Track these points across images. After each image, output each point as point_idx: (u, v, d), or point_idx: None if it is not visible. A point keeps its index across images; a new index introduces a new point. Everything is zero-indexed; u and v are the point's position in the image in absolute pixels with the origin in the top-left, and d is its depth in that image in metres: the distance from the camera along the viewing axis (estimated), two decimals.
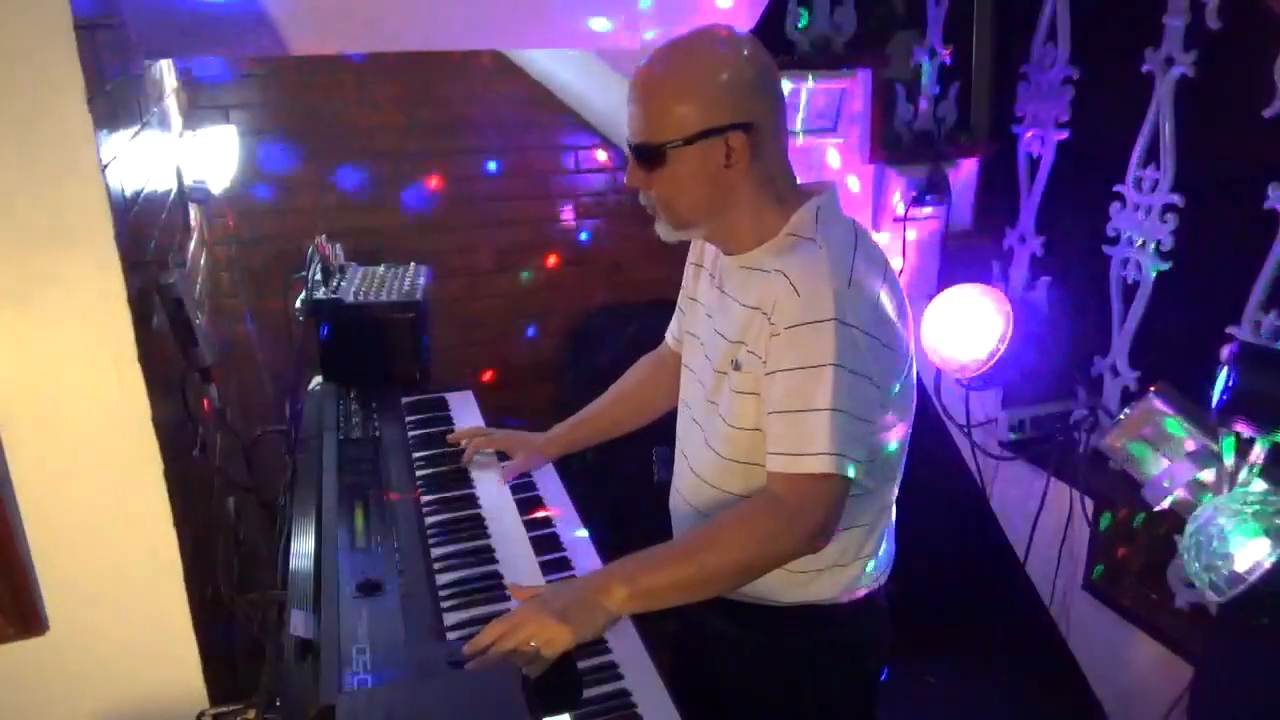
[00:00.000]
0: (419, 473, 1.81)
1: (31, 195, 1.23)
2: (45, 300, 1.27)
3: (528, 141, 3.42)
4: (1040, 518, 2.46)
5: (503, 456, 1.88)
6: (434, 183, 3.36)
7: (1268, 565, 1.53)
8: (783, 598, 1.47)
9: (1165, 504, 1.91)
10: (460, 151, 3.36)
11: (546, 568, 1.57)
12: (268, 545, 1.86)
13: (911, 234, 2.75)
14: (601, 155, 3.50)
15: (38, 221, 1.24)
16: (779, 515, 1.29)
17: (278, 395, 2.89)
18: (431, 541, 1.58)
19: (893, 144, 2.80)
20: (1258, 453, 1.71)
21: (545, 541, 1.65)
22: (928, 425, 2.69)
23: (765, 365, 1.33)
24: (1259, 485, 1.71)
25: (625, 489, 3.01)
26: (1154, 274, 2.25)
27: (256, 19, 2.13)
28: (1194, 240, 2.22)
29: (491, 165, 3.40)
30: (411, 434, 1.97)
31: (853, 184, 2.82)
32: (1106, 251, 2.36)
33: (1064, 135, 2.48)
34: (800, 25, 2.66)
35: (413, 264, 2.35)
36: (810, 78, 2.66)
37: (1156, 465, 1.94)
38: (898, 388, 1.39)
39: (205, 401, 1.86)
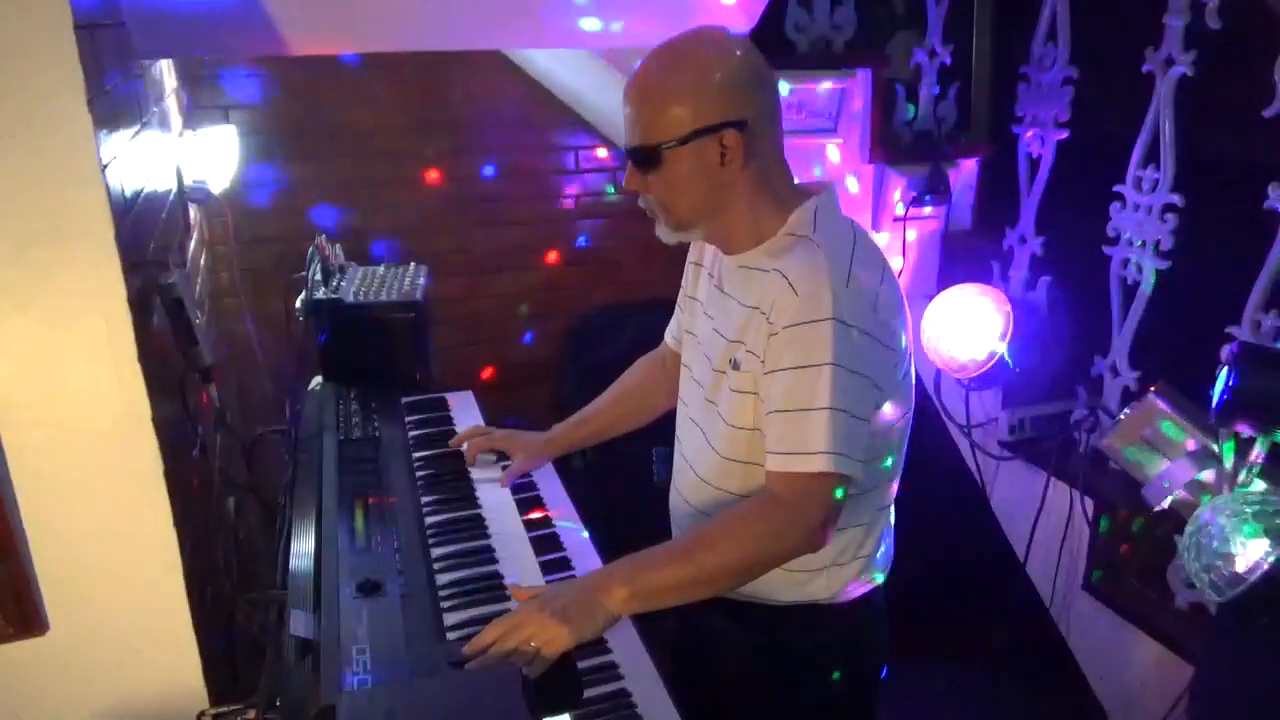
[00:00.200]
0: (419, 473, 1.81)
1: (31, 195, 1.23)
2: (45, 300, 1.27)
3: (528, 141, 3.42)
4: (1040, 518, 2.46)
5: (502, 456, 1.88)
6: (434, 183, 3.36)
7: (1267, 565, 1.53)
8: (781, 597, 1.47)
9: (1165, 504, 1.91)
10: (460, 151, 3.36)
11: (546, 568, 1.57)
12: (268, 545, 1.85)
13: (911, 234, 2.75)
14: (602, 154, 3.50)
15: (38, 221, 1.24)
16: (778, 514, 1.29)
17: (278, 395, 2.90)
18: (431, 541, 1.58)
19: (893, 144, 2.80)
20: (1258, 453, 1.70)
21: (545, 541, 1.64)
22: (928, 425, 2.69)
23: (764, 365, 1.33)
24: (1259, 485, 1.71)
25: (625, 489, 3.01)
26: (1154, 274, 2.25)
27: (256, 19, 2.13)
28: (1194, 240, 2.22)
29: (491, 165, 3.40)
30: (411, 434, 1.97)
31: (852, 184, 2.83)
32: (1106, 251, 2.36)
33: (1064, 135, 2.48)
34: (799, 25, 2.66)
35: (413, 264, 2.35)
36: (810, 78, 2.66)
37: (1156, 465, 1.94)
38: (896, 387, 1.39)
39: (205, 400, 1.86)
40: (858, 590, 1.50)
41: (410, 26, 2.33)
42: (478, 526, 1.65)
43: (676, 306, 1.73)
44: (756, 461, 1.38)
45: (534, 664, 1.18)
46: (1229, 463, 1.85)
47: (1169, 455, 1.92)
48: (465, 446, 1.89)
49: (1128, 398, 2.32)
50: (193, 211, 2.67)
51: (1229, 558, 1.56)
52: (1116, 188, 2.32)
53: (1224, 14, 2.00)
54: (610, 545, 1.59)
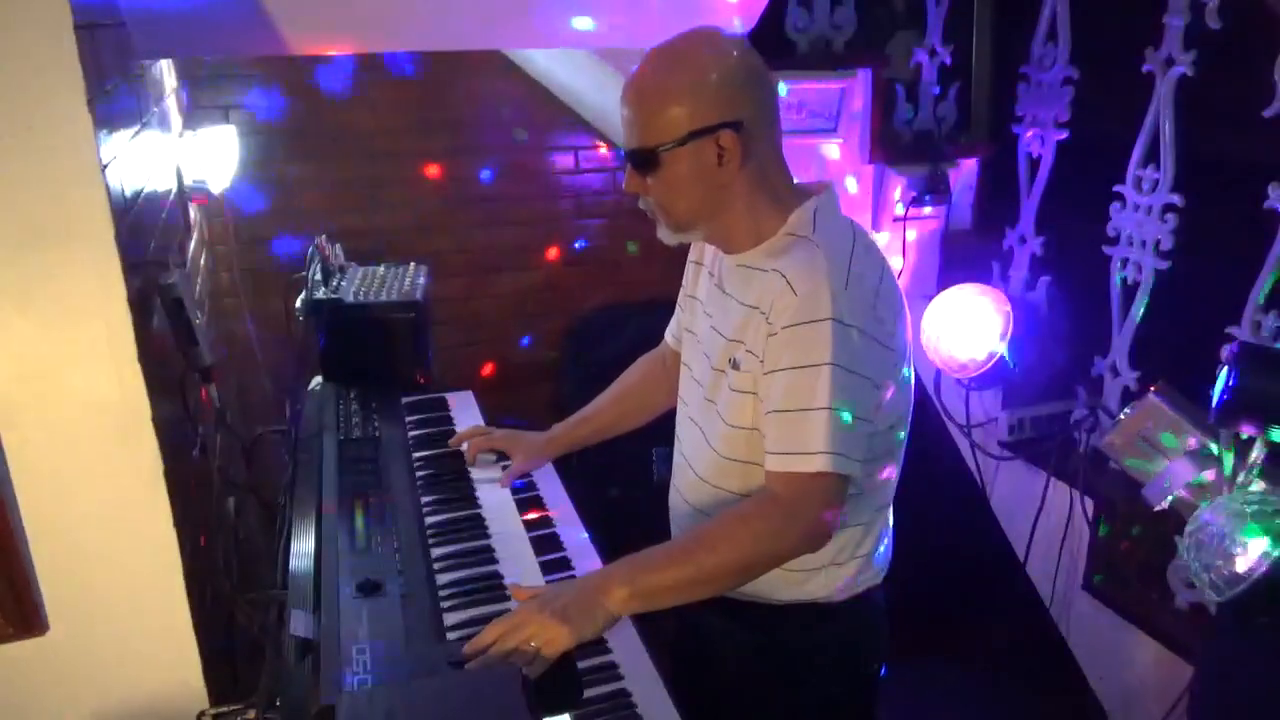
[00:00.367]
0: (419, 473, 1.81)
1: (31, 195, 1.23)
2: (45, 300, 1.27)
3: (528, 141, 3.42)
4: (1040, 518, 2.46)
5: (502, 456, 1.88)
6: (434, 183, 3.36)
7: (1267, 565, 1.53)
8: (780, 596, 1.47)
9: (1165, 504, 1.91)
10: (460, 151, 3.36)
11: (546, 568, 1.57)
12: (268, 545, 1.85)
13: (911, 234, 2.75)
14: (601, 154, 3.50)
15: (38, 221, 1.24)
16: (778, 514, 1.29)
17: (278, 395, 2.90)
18: (431, 541, 1.58)
19: (893, 144, 2.80)
20: (1258, 453, 1.70)
21: (545, 541, 1.64)
22: (928, 425, 2.69)
23: (763, 365, 1.33)
24: (1259, 485, 1.71)
25: (625, 489, 3.01)
26: (1154, 274, 2.25)
27: (257, 19, 2.13)
28: (1194, 240, 2.22)
29: (491, 165, 3.40)
30: (411, 434, 1.97)
31: (852, 184, 2.83)
32: (1106, 251, 2.36)
33: (1064, 135, 2.48)
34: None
35: (413, 264, 2.35)
36: (810, 78, 2.66)
37: (1156, 465, 1.94)
38: (895, 387, 1.39)
39: (205, 400, 1.86)
40: (857, 589, 1.50)
41: (410, 26, 2.33)
42: (478, 526, 1.65)
43: (677, 305, 1.73)
44: (755, 461, 1.39)
45: (534, 664, 1.18)
46: (1229, 462, 1.85)
47: (1169, 455, 1.92)
48: (465, 446, 1.89)
49: (1128, 398, 2.32)
50: (193, 211, 2.67)
51: (1229, 558, 1.56)
52: (1116, 188, 2.32)
53: (1224, 14, 2.00)
54: (610, 545, 1.59)
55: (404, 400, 2.10)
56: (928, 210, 2.77)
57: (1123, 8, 2.48)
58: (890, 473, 1.48)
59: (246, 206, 3.11)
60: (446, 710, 1.04)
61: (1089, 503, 2.33)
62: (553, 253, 3.57)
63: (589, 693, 1.27)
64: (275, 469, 2.21)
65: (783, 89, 2.63)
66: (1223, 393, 1.59)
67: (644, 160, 1.35)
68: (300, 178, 3.18)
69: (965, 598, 3.00)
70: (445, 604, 1.42)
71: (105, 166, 1.29)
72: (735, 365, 1.40)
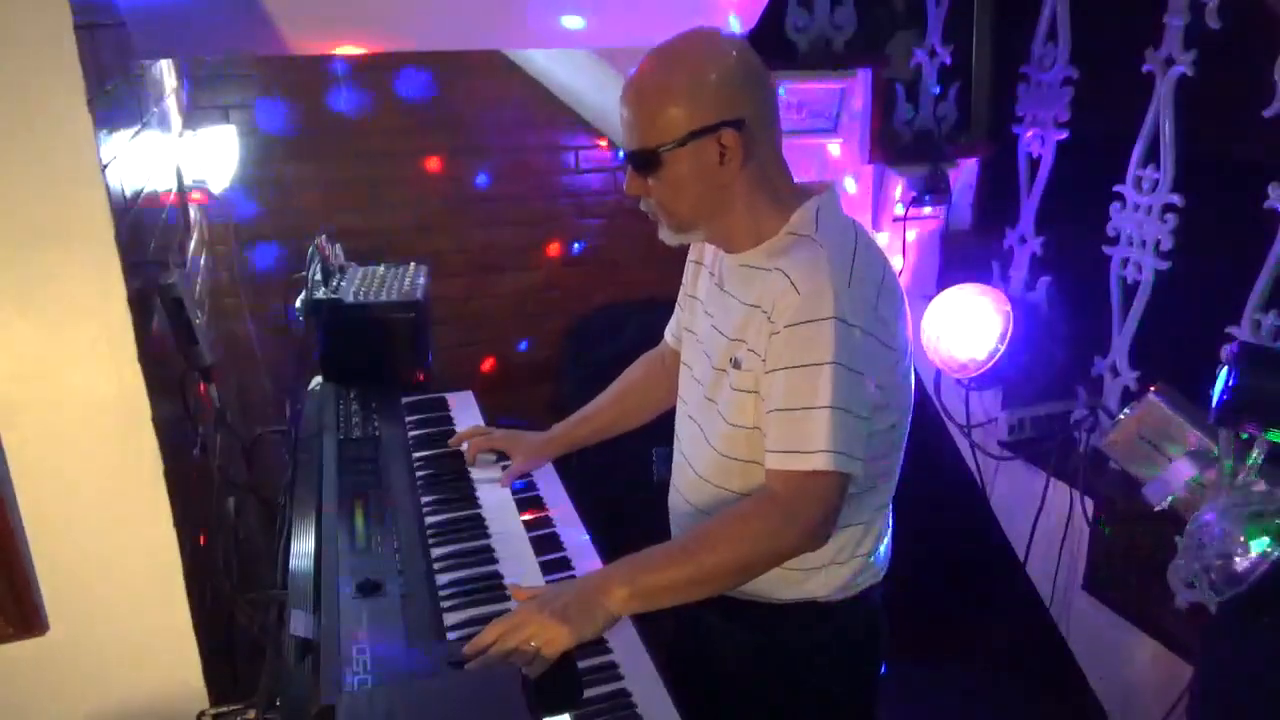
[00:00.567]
0: (419, 473, 1.81)
1: (31, 195, 1.23)
2: (45, 300, 1.27)
3: (528, 141, 3.42)
4: (1040, 518, 2.46)
5: (502, 456, 1.88)
6: (434, 183, 3.36)
7: (1267, 565, 1.53)
8: (780, 595, 1.47)
9: (1165, 504, 1.91)
10: (460, 151, 3.36)
11: (546, 568, 1.57)
12: (268, 545, 1.85)
13: (911, 234, 2.75)
14: (602, 154, 3.50)
15: (38, 221, 1.24)
16: (777, 513, 1.29)
17: (278, 395, 2.90)
18: (431, 541, 1.58)
19: (893, 144, 2.80)
20: (1258, 453, 1.70)
21: (545, 541, 1.64)
22: (928, 425, 2.69)
23: (765, 363, 1.33)
24: (1259, 485, 1.71)
25: (625, 489, 3.01)
26: (1154, 274, 2.25)
27: (257, 19, 2.13)
28: (1194, 240, 2.22)
29: (491, 165, 3.40)
30: (411, 434, 1.97)
31: (852, 184, 2.83)
32: (1106, 251, 2.36)
33: (1064, 135, 2.48)
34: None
35: (413, 264, 2.35)
36: (810, 78, 2.66)
37: (1156, 465, 1.94)
38: (896, 386, 1.39)
39: (205, 400, 1.86)
40: (856, 589, 1.50)
41: (411, 26, 2.33)
42: (478, 526, 1.65)
43: (676, 305, 1.73)
44: (756, 460, 1.39)
45: (534, 664, 1.18)
46: (1229, 463, 1.85)
47: (1169, 455, 1.92)
48: (465, 446, 1.89)
49: (1128, 398, 2.32)
50: (193, 211, 2.67)
51: (1229, 558, 1.56)
52: (1116, 188, 2.32)
53: (1224, 14, 2.00)
54: (610, 545, 1.59)
55: (404, 400, 2.10)
56: (928, 210, 2.77)
57: (1123, 8, 2.47)
58: (890, 472, 1.48)
59: (247, 206, 3.11)
60: (446, 710, 1.04)
61: (1089, 503, 2.33)
62: (553, 253, 3.57)
63: (589, 693, 1.27)
64: (275, 469, 2.21)
65: (782, 89, 2.63)
66: (1223, 393, 1.59)
67: (645, 161, 1.35)
68: (300, 178, 3.18)
69: (965, 597, 3.00)
70: (445, 604, 1.42)
71: (105, 166, 1.29)
72: (736, 364, 1.40)
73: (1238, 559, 1.56)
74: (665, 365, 1.78)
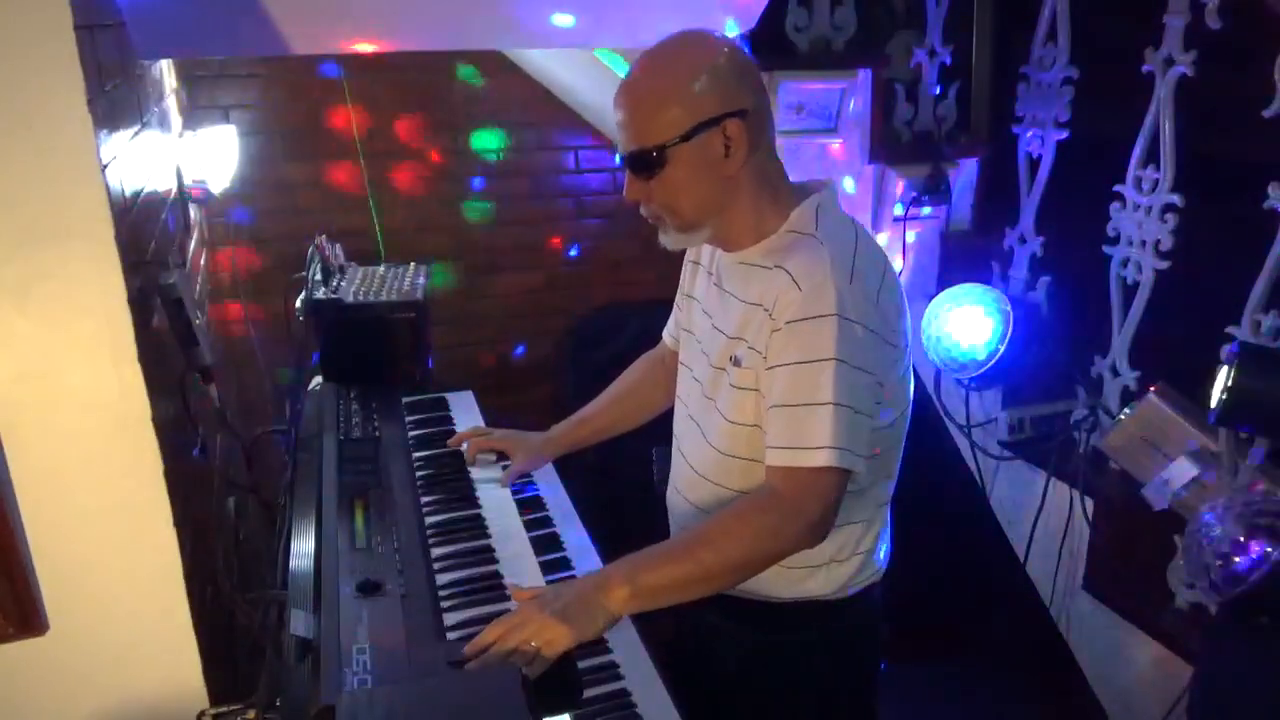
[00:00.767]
0: (419, 473, 1.81)
1: (31, 195, 1.23)
2: (45, 300, 1.27)
3: (528, 141, 3.42)
4: (1040, 518, 2.46)
5: (502, 456, 1.88)
6: (434, 183, 3.35)
7: (1268, 565, 1.53)
8: (780, 593, 1.47)
9: (1165, 504, 1.91)
10: (460, 151, 3.36)
11: (546, 568, 1.57)
12: (268, 545, 1.85)
13: (911, 234, 2.75)
14: (602, 154, 3.50)
15: (38, 221, 1.24)
16: (777, 510, 1.29)
17: (278, 395, 2.90)
18: (431, 541, 1.58)
19: (893, 144, 2.80)
20: (1258, 453, 1.71)
21: (545, 541, 1.64)
22: (928, 425, 2.69)
23: (766, 360, 1.33)
24: (1259, 485, 1.71)
25: (625, 489, 3.01)
26: (1154, 274, 2.25)
27: (257, 19, 2.13)
28: (1194, 240, 2.22)
29: (491, 165, 3.40)
30: (411, 434, 1.97)
31: (853, 184, 2.82)
32: (1106, 251, 2.36)
33: (1064, 135, 2.48)
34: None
35: (413, 264, 2.35)
36: (810, 78, 2.66)
37: (1156, 465, 1.94)
38: (896, 384, 1.39)
39: (205, 399, 1.86)
40: (856, 587, 1.50)
41: (412, 26, 2.33)
42: (478, 526, 1.65)
43: (674, 305, 1.73)
44: (756, 458, 1.39)
45: (534, 664, 1.18)
46: (1229, 463, 1.85)
47: (1169, 455, 1.92)
48: (465, 446, 1.89)
49: (1128, 398, 2.32)
50: (193, 211, 2.67)
51: (1229, 558, 1.57)
52: (1116, 188, 2.32)
53: (1224, 14, 2.00)
54: (610, 545, 1.59)
55: (404, 400, 2.10)
56: (927, 210, 2.77)
57: (1123, 8, 2.47)
58: (890, 469, 1.48)
59: (247, 206, 3.11)
60: (446, 710, 1.04)
61: (1089, 503, 2.33)
62: (553, 253, 3.57)
63: (589, 693, 1.27)
64: (275, 469, 2.21)
65: (782, 89, 2.63)
66: (1223, 393, 1.59)
67: (647, 162, 1.35)
68: (300, 178, 3.18)
69: (965, 597, 3.00)
70: (445, 604, 1.42)
71: (105, 166, 1.29)
72: (736, 362, 1.40)
73: (1238, 559, 1.56)
74: (665, 366, 1.78)
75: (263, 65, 3.06)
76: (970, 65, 2.88)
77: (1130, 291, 2.32)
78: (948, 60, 2.78)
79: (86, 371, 1.31)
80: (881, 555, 1.54)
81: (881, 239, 2.82)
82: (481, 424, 2.02)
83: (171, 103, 2.62)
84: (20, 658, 1.35)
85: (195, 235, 2.66)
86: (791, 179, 1.47)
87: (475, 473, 1.83)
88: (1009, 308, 2.43)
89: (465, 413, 2.11)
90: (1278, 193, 1.93)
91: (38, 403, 1.29)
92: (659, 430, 1.78)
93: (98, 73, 1.37)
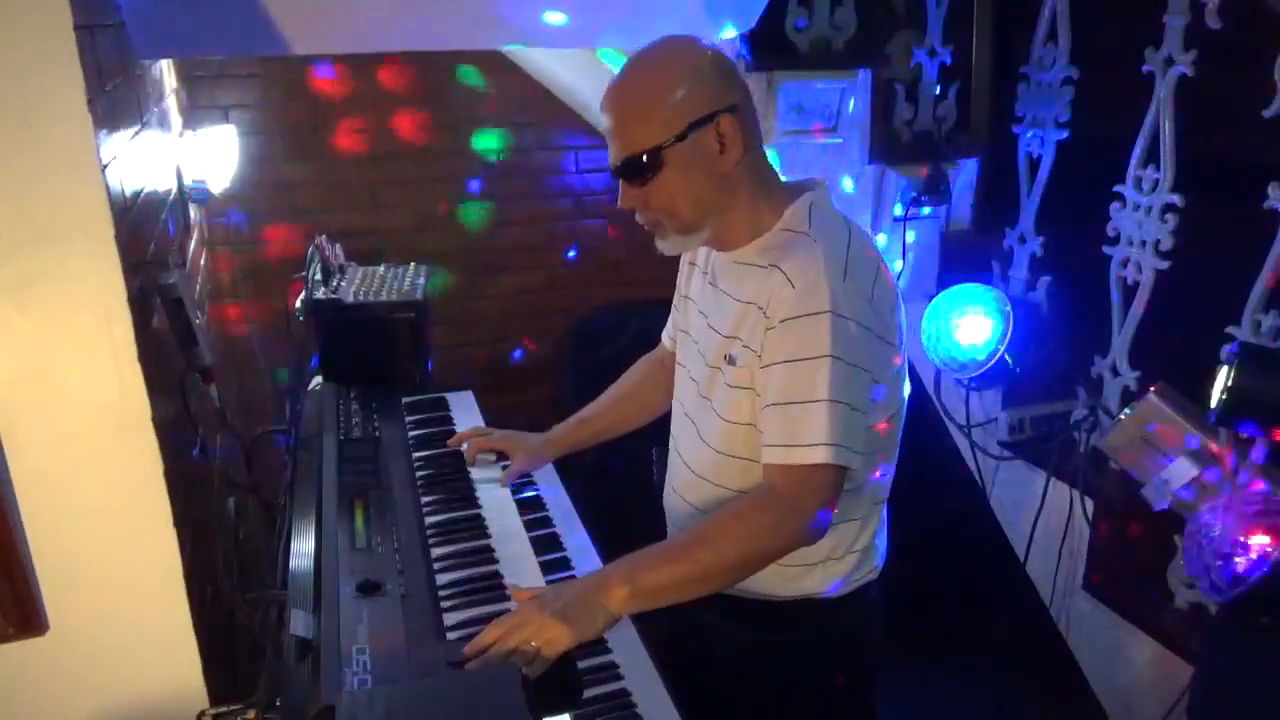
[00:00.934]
0: (419, 473, 1.81)
1: (31, 195, 1.23)
2: (45, 300, 1.27)
3: (528, 141, 3.42)
4: (1040, 518, 2.46)
5: (502, 456, 1.88)
6: (434, 182, 3.35)
7: (1268, 565, 1.53)
8: (777, 592, 1.47)
9: (1165, 504, 1.91)
10: (460, 151, 3.36)
11: (546, 568, 1.57)
12: (268, 545, 1.85)
13: (911, 234, 2.74)
14: (602, 154, 3.49)
15: (38, 221, 1.24)
16: (776, 508, 1.29)
17: (278, 395, 2.90)
18: (431, 541, 1.58)
19: (893, 144, 2.80)
20: (1258, 453, 1.70)
21: (545, 541, 1.64)
22: (928, 425, 2.69)
23: (761, 359, 1.34)
24: (1259, 485, 1.71)
25: (625, 489, 3.01)
26: (1154, 274, 2.25)
27: (256, 19, 2.13)
28: (1194, 240, 2.22)
29: (491, 165, 3.40)
30: (411, 434, 1.97)
31: (852, 184, 2.82)
32: (1106, 251, 2.36)
33: (1064, 135, 2.48)
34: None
35: (413, 264, 2.34)
36: (810, 78, 2.66)
37: (1156, 465, 1.94)
38: (891, 381, 1.40)
39: (205, 400, 1.86)
40: (853, 584, 1.51)
41: (413, 26, 2.33)
42: (478, 526, 1.65)
43: (672, 306, 1.73)
44: (752, 457, 1.39)
45: (534, 664, 1.18)
46: (1229, 463, 1.85)
47: (1169, 455, 1.92)
48: (465, 446, 1.89)
49: (1128, 398, 2.32)
50: (193, 211, 2.67)
51: (1229, 558, 1.56)
52: (1116, 188, 2.32)
53: (1224, 14, 2.00)
54: (610, 545, 1.59)
55: (404, 400, 2.10)
56: (927, 210, 2.77)
57: (1123, 8, 2.47)
58: (886, 466, 1.48)
59: (247, 206, 3.11)
60: (446, 710, 1.04)
61: (1089, 503, 2.33)
62: (553, 253, 3.57)
63: (589, 693, 1.27)
64: (275, 469, 2.21)
65: (783, 89, 2.62)
66: (1223, 393, 1.59)
67: (642, 167, 1.35)
68: (300, 178, 3.18)
69: (965, 597, 3.00)
70: (445, 604, 1.42)
71: (105, 166, 1.29)
72: (731, 361, 1.40)
73: (1238, 559, 1.56)
74: (664, 368, 1.78)
75: (262, 65, 3.06)
76: (970, 65, 2.88)
77: (1130, 291, 2.32)
78: (948, 60, 2.78)
79: (86, 371, 1.31)
80: (878, 553, 1.55)
81: (881, 239, 2.82)
82: (481, 424, 2.02)
83: (171, 103, 2.62)
84: (20, 658, 1.35)
85: (195, 235, 2.66)
86: (802, 179, 1.47)
87: (475, 473, 1.83)
88: (1009, 308, 2.43)
89: (465, 413, 2.11)
90: (1278, 193, 1.93)
91: (38, 403, 1.29)
92: (659, 431, 1.78)
93: (98, 73, 1.37)
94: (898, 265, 2.75)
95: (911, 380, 1.50)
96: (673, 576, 1.28)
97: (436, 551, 1.55)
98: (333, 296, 2.12)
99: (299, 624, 1.27)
